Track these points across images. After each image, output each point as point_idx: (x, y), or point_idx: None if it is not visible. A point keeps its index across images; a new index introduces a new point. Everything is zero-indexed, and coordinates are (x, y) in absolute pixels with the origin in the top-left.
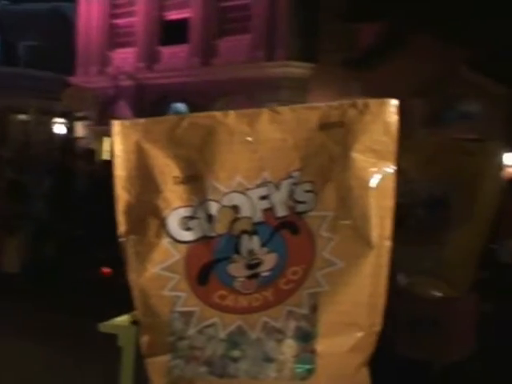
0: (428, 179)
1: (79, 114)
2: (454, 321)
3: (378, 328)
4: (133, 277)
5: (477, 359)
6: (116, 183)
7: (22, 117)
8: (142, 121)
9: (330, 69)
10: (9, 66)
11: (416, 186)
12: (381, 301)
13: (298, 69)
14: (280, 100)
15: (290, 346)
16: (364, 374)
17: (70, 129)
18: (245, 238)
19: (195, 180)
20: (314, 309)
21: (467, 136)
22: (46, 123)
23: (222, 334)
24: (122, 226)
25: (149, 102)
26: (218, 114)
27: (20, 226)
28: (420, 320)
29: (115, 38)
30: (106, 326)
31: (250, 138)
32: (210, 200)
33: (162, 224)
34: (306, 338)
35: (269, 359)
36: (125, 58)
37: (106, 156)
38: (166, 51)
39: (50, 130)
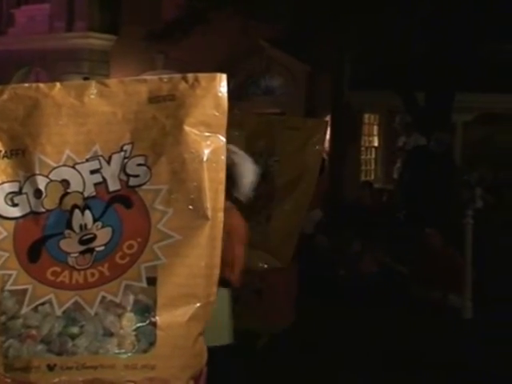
0: (251, 153)
1: None
2: (279, 291)
3: (213, 298)
4: None
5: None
6: None
7: None
8: None
9: (133, 41)
10: None
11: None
12: (216, 271)
13: (99, 40)
14: (81, 72)
15: (130, 320)
16: (201, 344)
17: None
18: (77, 213)
19: (21, 154)
20: (153, 282)
21: (270, 110)
22: None
23: (59, 311)
24: None
25: None
26: (42, 86)
27: None
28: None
29: None
30: None
31: (77, 111)
32: (38, 174)
33: None
34: (145, 311)
35: (109, 334)
36: None
37: None
38: None
39: None
